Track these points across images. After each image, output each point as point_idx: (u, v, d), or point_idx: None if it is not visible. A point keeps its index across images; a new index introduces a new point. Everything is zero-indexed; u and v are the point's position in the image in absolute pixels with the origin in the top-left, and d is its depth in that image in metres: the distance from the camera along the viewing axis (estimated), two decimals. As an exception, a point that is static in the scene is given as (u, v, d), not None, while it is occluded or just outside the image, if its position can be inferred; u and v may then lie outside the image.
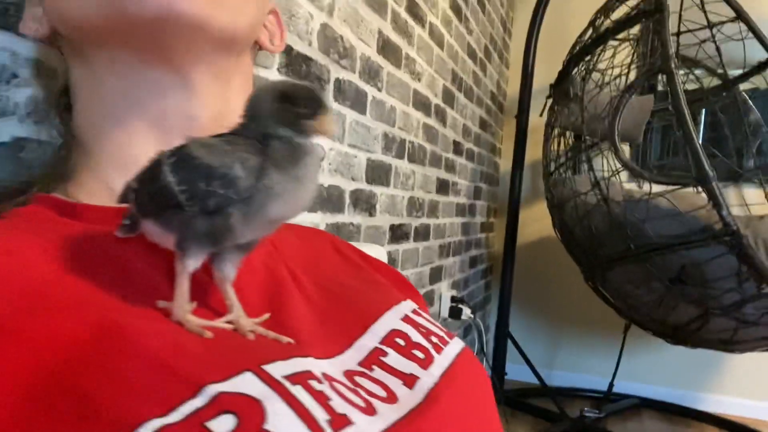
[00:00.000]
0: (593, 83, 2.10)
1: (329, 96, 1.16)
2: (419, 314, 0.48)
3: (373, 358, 0.39)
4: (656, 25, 1.92)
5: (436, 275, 2.02)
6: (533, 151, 2.64)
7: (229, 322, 0.36)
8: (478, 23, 2.36)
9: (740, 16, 2.18)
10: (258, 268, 0.44)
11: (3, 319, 0.28)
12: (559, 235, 2.29)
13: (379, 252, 1.14)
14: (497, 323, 2.50)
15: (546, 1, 2.40)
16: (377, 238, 1.47)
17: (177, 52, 0.40)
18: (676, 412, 2.57)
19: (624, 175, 2.11)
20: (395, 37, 1.48)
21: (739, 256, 1.61)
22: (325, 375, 0.34)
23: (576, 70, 2.13)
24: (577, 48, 2.16)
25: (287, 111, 0.33)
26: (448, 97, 2.02)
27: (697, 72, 2.51)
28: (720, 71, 2.40)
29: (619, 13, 2.07)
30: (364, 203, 1.37)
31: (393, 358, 0.40)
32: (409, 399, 0.36)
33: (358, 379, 0.36)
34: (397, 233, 1.61)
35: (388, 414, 0.33)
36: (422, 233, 1.84)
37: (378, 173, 1.44)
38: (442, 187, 2.03)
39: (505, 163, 2.99)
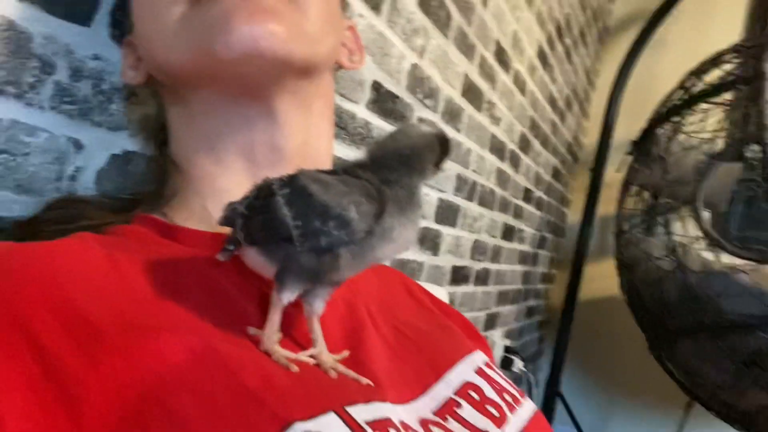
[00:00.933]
0: (678, 145, 2.02)
1: (410, 134, 1.16)
2: (491, 368, 0.47)
3: (448, 409, 0.38)
4: (753, 93, 1.84)
5: (491, 322, 1.97)
6: (604, 206, 2.56)
7: (311, 356, 0.36)
8: (563, 72, 2.33)
9: None
10: (338, 302, 0.44)
11: (104, 333, 0.29)
12: (626, 297, 2.19)
13: (441, 293, 1.13)
14: (548, 380, 2.41)
15: (635, 57, 2.35)
16: (438, 278, 1.45)
17: (263, 87, 0.41)
18: (735, 504, 2.37)
19: (700, 243, 2.01)
20: (480, 81, 1.48)
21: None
22: (402, 423, 0.33)
23: (662, 129, 2.06)
24: (665, 108, 2.09)
25: (428, 160, 0.35)
26: (524, 144, 1.99)
27: (793, 144, 2.37)
28: (819, 146, 2.25)
29: (712, 76, 2.00)
30: (430, 242, 1.36)
31: (467, 412, 0.39)
32: None
33: (433, 428, 0.35)
34: (458, 275, 1.59)
35: None
36: (482, 277, 1.80)
37: (447, 213, 1.43)
38: (508, 232, 1.99)
39: (573, 216, 2.91)
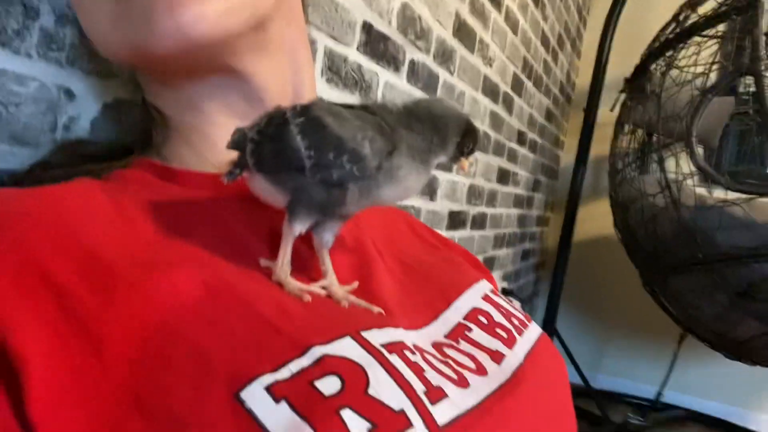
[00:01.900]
0: (672, 81, 2.00)
1: (403, 77, 1.14)
2: (497, 294, 0.48)
3: (459, 333, 0.39)
4: (747, 23, 1.81)
5: (488, 265, 2.00)
6: (598, 147, 2.56)
7: (322, 288, 0.36)
8: (554, 9, 2.28)
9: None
10: (346, 237, 0.44)
11: (119, 270, 0.29)
12: (619, 235, 2.22)
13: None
14: (544, 319, 2.46)
15: (628, -8, 2.30)
16: (435, 223, 1.46)
17: (215, 62, 0.40)
18: (726, 428, 2.48)
19: (694, 180, 2.02)
20: (471, 20, 1.44)
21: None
22: (415, 346, 0.34)
23: (655, 65, 2.03)
24: (658, 42, 2.06)
25: (453, 132, 0.35)
26: (517, 85, 1.97)
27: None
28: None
29: (706, 8, 1.96)
30: (427, 187, 1.36)
31: (478, 334, 0.40)
32: (498, 374, 0.36)
33: (447, 350, 0.36)
34: (456, 220, 1.60)
35: (480, 387, 0.33)
36: (479, 222, 1.81)
37: (442, 158, 1.42)
38: (503, 176, 1.99)
39: (567, 157, 2.91)
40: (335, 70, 0.91)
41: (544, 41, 2.22)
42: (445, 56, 1.33)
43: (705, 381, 2.66)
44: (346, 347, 0.29)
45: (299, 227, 0.34)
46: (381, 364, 0.29)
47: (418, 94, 1.22)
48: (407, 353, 0.32)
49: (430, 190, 1.38)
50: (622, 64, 2.29)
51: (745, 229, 1.67)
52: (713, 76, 2.10)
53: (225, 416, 0.24)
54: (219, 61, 0.39)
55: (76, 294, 0.27)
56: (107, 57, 0.40)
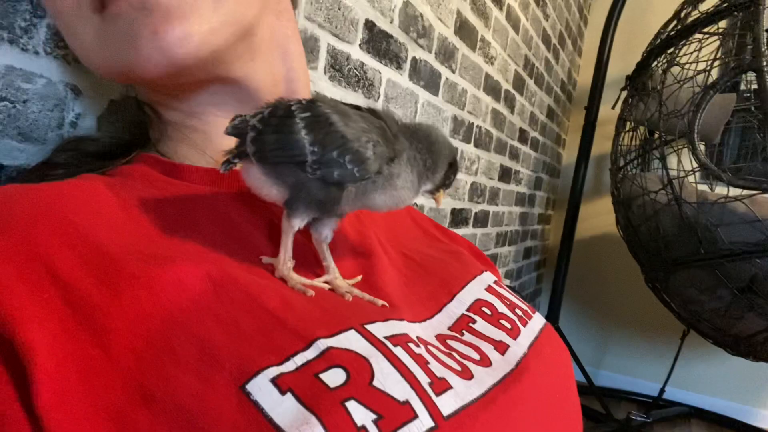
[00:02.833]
0: (673, 78, 2.00)
1: (406, 75, 1.15)
2: (501, 286, 0.48)
3: (463, 324, 0.40)
4: (749, 19, 1.81)
5: (491, 263, 2.00)
6: (599, 145, 2.56)
7: (326, 282, 0.37)
8: (555, 8, 2.28)
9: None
10: (349, 231, 0.45)
11: (123, 264, 0.29)
12: (621, 232, 2.22)
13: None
14: (546, 317, 2.46)
15: (629, -11, 2.30)
16: (438, 221, 1.46)
17: (204, 76, 0.40)
18: (728, 425, 2.48)
19: (696, 176, 2.02)
20: (473, 18, 1.45)
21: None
22: (419, 338, 0.34)
23: (656, 62, 2.04)
24: (660, 39, 2.06)
25: (444, 159, 0.37)
26: (519, 83, 1.97)
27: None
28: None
29: (707, 5, 1.96)
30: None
31: (481, 325, 0.40)
32: (502, 365, 0.36)
33: (450, 342, 0.37)
34: (458, 217, 1.60)
35: (484, 378, 0.33)
36: (481, 220, 1.82)
37: (444, 156, 1.43)
38: (505, 174, 2.00)
39: (568, 155, 2.91)
40: (338, 67, 0.92)
41: (546, 39, 2.22)
42: (446, 54, 1.33)
43: (708, 377, 2.66)
44: (350, 340, 0.29)
45: (298, 223, 0.35)
46: (385, 356, 0.29)
47: (420, 92, 1.23)
48: (411, 345, 0.32)
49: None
50: (623, 62, 2.29)
51: (747, 225, 1.67)
52: (715, 73, 2.10)
53: (231, 408, 0.25)
54: (209, 74, 0.39)
55: (82, 287, 0.28)
56: (98, 75, 0.40)
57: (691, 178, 1.89)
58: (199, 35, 0.35)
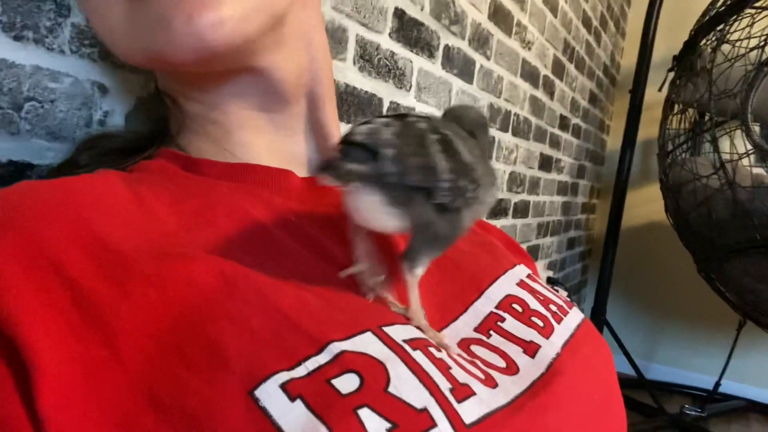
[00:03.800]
0: (723, 56, 1.91)
1: (438, 63, 1.12)
2: (535, 280, 0.46)
3: (490, 323, 0.38)
4: (806, -10, 1.70)
5: (532, 254, 1.95)
6: (645, 130, 2.46)
7: (407, 319, 0.35)
8: (596, -11, 2.20)
9: None
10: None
11: (134, 262, 0.29)
12: (671, 220, 2.13)
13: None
14: (593, 309, 2.39)
15: (674, -35, 2.20)
16: (476, 212, 1.43)
17: (234, 64, 0.38)
18: (791, 420, 2.35)
19: (751, 159, 1.92)
20: (507, 2, 1.41)
21: None
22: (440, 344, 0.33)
23: (705, 40, 1.94)
24: (708, 16, 1.96)
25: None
26: (558, 69, 1.91)
27: None
28: None
29: (760, -24, 1.85)
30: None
31: (511, 324, 0.38)
32: (531, 369, 0.34)
33: (474, 348, 0.35)
34: (496, 208, 1.57)
35: (510, 387, 0.31)
36: (521, 210, 1.77)
37: (481, 145, 1.40)
38: (545, 163, 1.94)
39: (613, 142, 2.82)
40: (367, 57, 0.91)
41: (586, 22, 2.14)
42: (480, 41, 1.30)
43: (765, 370, 2.53)
44: (366, 342, 0.28)
45: (422, 270, 0.32)
46: (403, 360, 0.27)
47: (453, 80, 1.20)
48: (432, 349, 0.30)
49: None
50: (669, 42, 2.20)
51: (807, 209, 1.58)
52: (769, 50, 1.99)
53: (238, 413, 0.24)
54: (237, 63, 0.38)
55: (90, 286, 0.27)
56: (122, 60, 0.40)
57: (745, 161, 1.79)
58: (232, 22, 0.34)
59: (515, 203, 1.71)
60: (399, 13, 0.97)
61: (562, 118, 2.05)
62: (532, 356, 0.35)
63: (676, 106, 2.09)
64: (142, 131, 0.46)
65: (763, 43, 1.99)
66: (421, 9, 1.03)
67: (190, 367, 0.26)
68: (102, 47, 0.51)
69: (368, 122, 0.31)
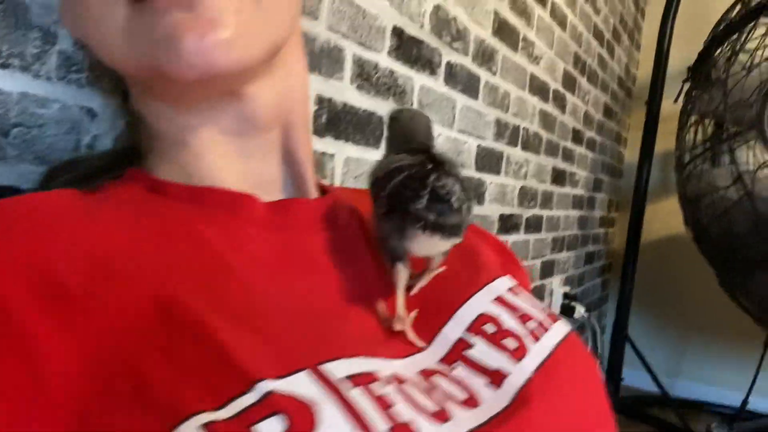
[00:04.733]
0: (739, 65, 1.87)
1: (441, 80, 1.13)
2: (516, 293, 0.44)
3: (456, 353, 0.36)
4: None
5: (547, 270, 1.93)
6: (663, 142, 2.42)
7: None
8: (607, 2, 2.19)
9: None
10: (351, 251, 0.42)
11: (72, 287, 0.28)
12: (691, 233, 2.09)
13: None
14: (615, 324, 2.34)
15: (686, -25, 2.18)
16: (485, 228, 1.42)
17: (226, 88, 0.38)
18: (825, 440, 2.26)
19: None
20: (513, 19, 1.41)
21: None
22: (394, 376, 0.31)
23: (720, 50, 1.91)
24: (722, 25, 1.93)
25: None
26: (569, 82, 1.90)
27: None
28: None
29: (775, -16, 1.82)
30: (472, 191, 1.33)
31: (479, 351, 0.37)
32: (494, 402, 0.33)
33: (436, 379, 0.33)
34: (507, 224, 1.55)
35: (464, 422, 0.30)
36: (534, 225, 1.75)
37: (488, 161, 1.39)
38: (558, 177, 1.92)
39: (631, 154, 2.78)
40: (365, 76, 0.91)
41: (598, 35, 2.13)
42: (485, 57, 1.30)
43: (798, 388, 2.44)
44: (298, 382, 0.26)
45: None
46: (337, 400, 0.26)
47: (457, 96, 1.20)
48: (375, 386, 0.29)
49: (476, 194, 1.35)
50: (684, 53, 2.17)
51: (831, 219, 1.53)
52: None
53: None
54: (228, 87, 0.38)
55: (22, 312, 0.26)
56: (109, 65, 0.38)
57: (764, 171, 1.75)
58: (242, 45, 0.34)
59: (527, 218, 1.69)
60: (398, 32, 0.98)
61: (575, 131, 2.03)
62: (498, 386, 0.34)
63: (692, 117, 2.06)
64: (111, 152, 0.46)
65: (779, 52, 1.96)
66: (421, 27, 1.04)
67: (116, 398, 0.25)
68: (90, 72, 0.52)
69: (407, 169, 0.37)
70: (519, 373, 0.35)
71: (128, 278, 0.29)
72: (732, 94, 1.78)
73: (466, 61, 1.22)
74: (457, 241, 0.37)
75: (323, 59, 0.82)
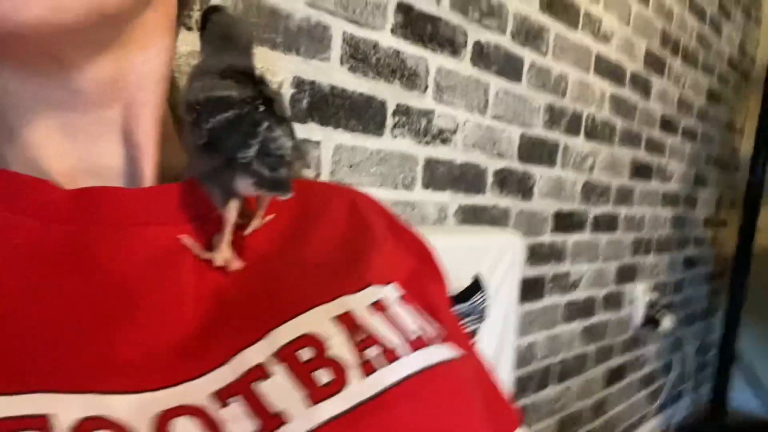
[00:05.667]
0: None
1: (466, 60, 1.03)
2: (383, 308, 0.35)
3: (243, 384, 0.28)
4: None
5: (626, 274, 1.72)
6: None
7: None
8: (709, -28, 1.92)
9: None
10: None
11: None
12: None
13: (511, 239, 0.99)
14: (722, 339, 2.05)
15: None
16: (535, 226, 1.29)
17: (44, 55, 0.32)
18: None
19: None
20: (568, -8, 1.26)
21: None
22: (118, 421, 0.25)
23: None
24: None
25: None
26: (656, 64, 1.68)
27: None
28: None
29: None
30: (515, 184, 1.20)
31: (273, 384, 0.28)
32: None
33: (179, 421, 0.26)
34: (566, 222, 1.40)
35: None
36: (605, 224, 1.57)
37: (537, 151, 1.25)
38: (641, 171, 1.71)
39: (747, 145, 2.42)
40: (360, 57, 0.84)
41: (697, 11, 1.87)
42: (530, 35, 1.17)
43: None
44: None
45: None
46: None
47: (491, 79, 1.09)
48: None
49: (520, 187, 1.22)
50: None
51: None
52: None
53: None
54: (48, 50, 0.32)
55: None
56: None
57: None
58: (51, 5, 0.28)
59: (595, 216, 1.51)
60: (404, 8, 0.90)
61: (665, 119, 1.80)
62: None
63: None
64: None
65: None
66: (437, 2, 0.95)
67: None
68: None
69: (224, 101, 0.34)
70: (303, 421, 0.27)
71: None
72: None
73: (503, 40, 1.10)
74: (283, 196, 0.33)
75: (301, 37, 0.76)
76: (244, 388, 0.28)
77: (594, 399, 1.65)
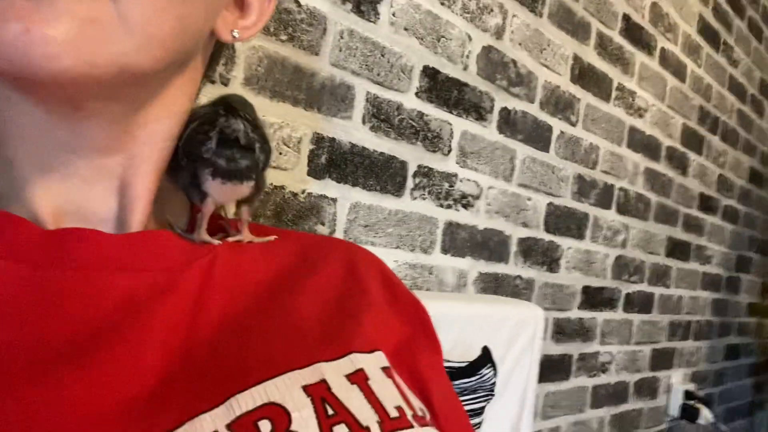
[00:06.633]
0: None
1: (492, 126, 1.01)
2: (363, 380, 0.32)
3: None
4: None
5: (662, 360, 1.61)
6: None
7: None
8: (750, 53, 1.90)
9: None
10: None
11: None
12: None
13: (531, 312, 0.93)
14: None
15: None
16: (561, 300, 1.22)
17: (59, 103, 0.31)
18: None
19: None
20: (601, 64, 1.25)
21: None
22: None
23: None
24: None
25: None
26: (693, 140, 1.64)
27: None
28: None
29: None
30: (540, 255, 1.15)
31: None
32: None
33: None
34: (596, 298, 1.33)
35: None
36: (639, 303, 1.49)
37: (565, 222, 1.21)
38: (679, 249, 1.64)
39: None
40: (383, 117, 0.84)
41: (736, 89, 1.84)
42: (559, 104, 1.16)
43: None
44: None
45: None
46: None
47: (518, 146, 1.07)
48: None
49: (545, 259, 1.17)
50: None
51: None
52: None
53: None
54: (65, 95, 0.31)
55: None
56: None
57: None
58: (77, 57, 0.27)
59: (628, 294, 1.44)
60: (430, 72, 0.90)
61: (704, 197, 1.74)
62: None
63: None
64: None
65: None
66: (465, 68, 0.95)
67: None
68: None
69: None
70: None
71: None
72: None
73: (532, 108, 1.09)
74: (240, 185, 0.35)
75: (324, 95, 0.76)
76: None
77: (625, 495, 1.51)
